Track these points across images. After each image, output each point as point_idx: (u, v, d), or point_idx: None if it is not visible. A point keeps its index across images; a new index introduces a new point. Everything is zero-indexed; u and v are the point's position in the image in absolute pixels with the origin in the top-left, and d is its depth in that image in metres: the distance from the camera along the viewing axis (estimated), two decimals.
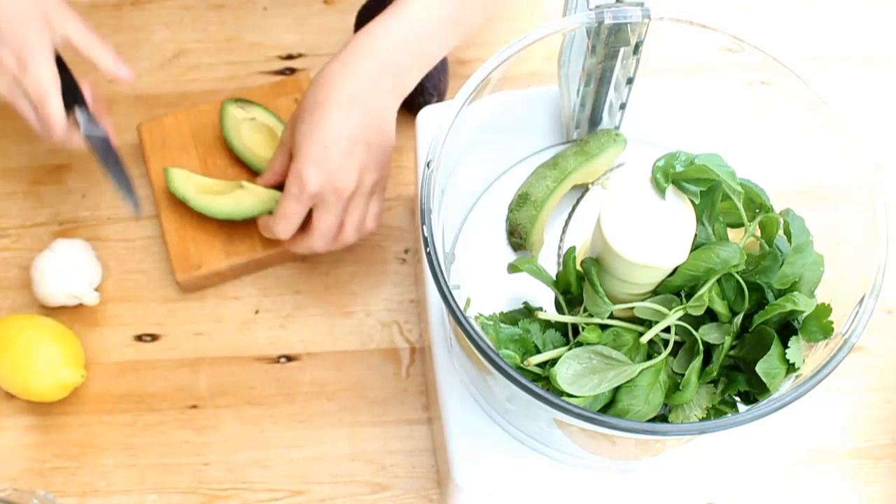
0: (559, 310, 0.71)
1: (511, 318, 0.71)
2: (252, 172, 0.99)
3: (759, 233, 0.69)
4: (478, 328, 0.62)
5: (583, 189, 0.81)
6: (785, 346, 0.64)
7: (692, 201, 0.65)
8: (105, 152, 0.88)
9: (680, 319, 0.66)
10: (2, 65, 0.84)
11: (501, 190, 0.81)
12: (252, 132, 0.99)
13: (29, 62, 0.82)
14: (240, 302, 0.99)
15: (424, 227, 0.64)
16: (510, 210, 0.79)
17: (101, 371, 0.96)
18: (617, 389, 0.65)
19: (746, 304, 0.66)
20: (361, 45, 0.83)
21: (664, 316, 0.65)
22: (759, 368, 0.64)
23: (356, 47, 0.83)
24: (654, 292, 0.67)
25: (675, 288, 0.66)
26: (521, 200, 0.78)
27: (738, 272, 0.66)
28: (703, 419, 0.67)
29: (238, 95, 1.02)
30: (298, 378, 0.96)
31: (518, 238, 0.78)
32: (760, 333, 0.65)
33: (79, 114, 0.86)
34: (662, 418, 0.69)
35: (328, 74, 0.83)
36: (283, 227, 0.87)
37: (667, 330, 0.66)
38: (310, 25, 1.10)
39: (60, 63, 0.86)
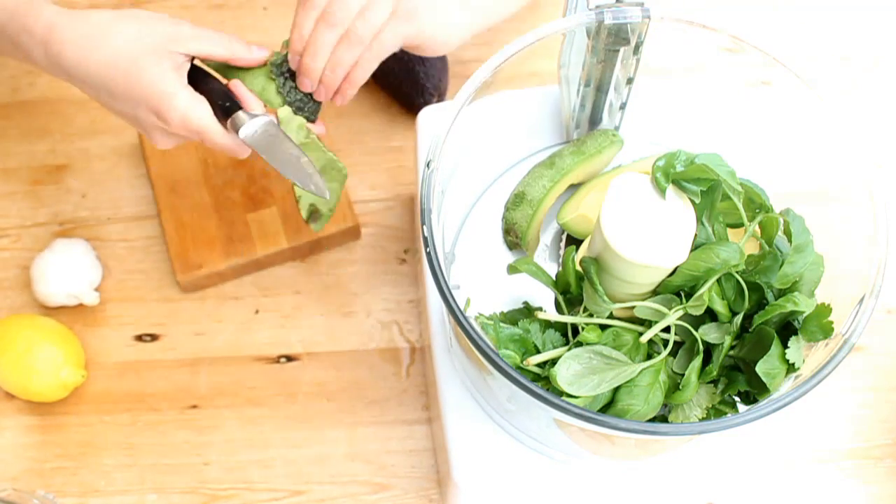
0: (559, 310, 0.71)
1: (511, 318, 0.71)
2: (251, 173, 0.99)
3: (759, 233, 0.69)
4: (478, 328, 0.62)
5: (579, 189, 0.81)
6: (785, 346, 0.64)
7: (692, 201, 0.65)
8: (269, 145, 0.77)
9: (680, 319, 0.66)
10: (148, 126, 0.78)
11: (501, 190, 0.81)
12: None
13: (165, 112, 0.75)
14: (240, 302, 0.99)
15: (424, 227, 0.64)
16: (506, 209, 0.79)
17: (101, 371, 0.96)
18: (617, 389, 0.65)
19: (746, 304, 0.66)
20: None
21: (664, 316, 0.66)
22: (759, 368, 0.64)
23: None
24: (654, 292, 0.67)
25: (675, 288, 0.66)
26: (518, 200, 0.78)
27: (738, 272, 0.66)
28: (703, 419, 0.67)
29: None
30: (298, 378, 0.96)
31: (514, 237, 0.78)
32: (760, 333, 0.65)
33: (236, 120, 0.77)
34: (662, 418, 0.69)
35: None
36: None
37: (667, 330, 0.66)
38: None
39: (199, 75, 0.80)
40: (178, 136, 0.80)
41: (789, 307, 0.64)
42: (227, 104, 0.78)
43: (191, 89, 0.77)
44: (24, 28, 0.77)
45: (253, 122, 0.77)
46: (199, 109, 0.76)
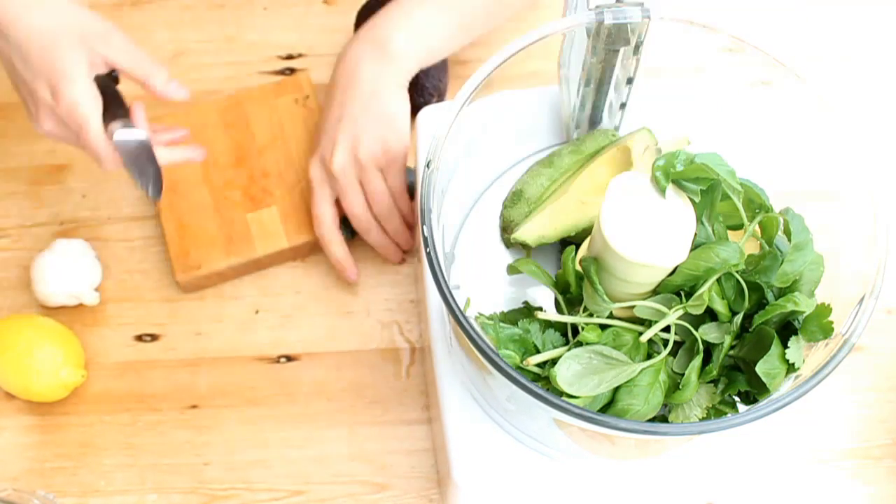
0: (559, 310, 0.71)
1: (511, 318, 0.71)
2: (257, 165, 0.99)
3: (759, 232, 0.69)
4: (478, 328, 0.62)
5: None
6: (785, 346, 0.64)
7: (692, 201, 0.65)
8: (135, 156, 0.82)
9: (680, 319, 0.66)
10: (39, 100, 0.80)
11: (501, 190, 0.80)
12: None
13: (61, 90, 0.78)
14: (240, 302, 0.99)
15: (424, 227, 0.64)
16: (504, 207, 0.79)
17: (101, 371, 0.96)
18: (617, 389, 0.65)
19: (746, 304, 0.66)
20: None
21: (664, 315, 0.65)
22: (759, 368, 0.64)
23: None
24: (654, 292, 0.67)
25: (675, 287, 0.66)
26: (515, 198, 0.78)
27: (738, 272, 0.66)
28: (703, 419, 0.67)
29: (238, 95, 1.02)
30: (298, 378, 0.96)
31: (511, 234, 0.78)
32: (760, 333, 0.65)
33: (113, 126, 0.81)
34: (662, 418, 0.69)
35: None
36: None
37: (667, 329, 0.66)
38: (310, 25, 1.10)
39: (109, 85, 0.82)
40: (60, 126, 0.81)
41: (789, 307, 0.64)
42: (118, 112, 0.81)
43: (94, 85, 0.80)
44: None
45: (132, 132, 0.80)
46: (90, 103, 0.79)
